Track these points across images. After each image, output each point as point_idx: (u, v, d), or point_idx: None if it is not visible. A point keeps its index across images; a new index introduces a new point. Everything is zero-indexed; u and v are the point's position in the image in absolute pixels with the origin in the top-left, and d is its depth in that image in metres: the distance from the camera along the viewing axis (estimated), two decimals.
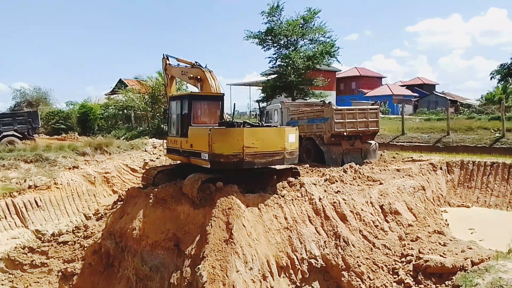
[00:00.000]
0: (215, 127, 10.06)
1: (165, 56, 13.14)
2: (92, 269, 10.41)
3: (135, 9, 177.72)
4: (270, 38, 31.70)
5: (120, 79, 49.85)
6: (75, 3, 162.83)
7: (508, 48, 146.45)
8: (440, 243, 10.48)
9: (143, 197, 10.40)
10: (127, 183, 17.29)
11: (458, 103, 48.06)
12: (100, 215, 12.77)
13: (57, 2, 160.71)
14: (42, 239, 12.01)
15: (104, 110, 38.10)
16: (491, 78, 50.10)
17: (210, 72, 11.48)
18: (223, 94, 11.36)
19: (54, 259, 10.86)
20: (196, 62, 11.88)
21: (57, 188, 15.06)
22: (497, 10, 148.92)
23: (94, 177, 16.81)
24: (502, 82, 44.46)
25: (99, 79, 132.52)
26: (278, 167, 11.81)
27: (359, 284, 9.08)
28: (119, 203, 12.16)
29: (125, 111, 36.86)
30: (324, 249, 9.45)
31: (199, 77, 11.55)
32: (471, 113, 32.83)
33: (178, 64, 12.76)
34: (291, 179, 11.14)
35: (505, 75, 45.97)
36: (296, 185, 10.69)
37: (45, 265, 10.67)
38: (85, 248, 11.02)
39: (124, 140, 27.36)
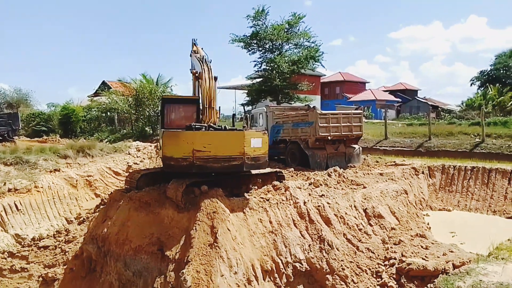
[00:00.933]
0: (168, 130, 10.04)
1: (193, 41, 12.94)
2: (74, 274, 10.21)
3: (118, 10, 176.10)
4: (255, 42, 31.80)
5: (104, 81, 49.23)
6: (56, 3, 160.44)
7: (487, 55, 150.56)
8: (422, 246, 10.64)
9: (126, 200, 10.26)
10: (110, 186, 17.05)
11: (439, 108, 49.08)
12: (82, 219, 12.58)
13: (37, 1, 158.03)
14: (22, 243, 11.76)
15: (86, 112, 37.53)
16: (471, 84, 51.45)
17: (209, 70, 10.91)
18: (198, 97, 11.16)
19: (35, 264, 10.64)
20: (202, 57, 11.34)
21: (38, 191, 14.74)
22: (477, 18, 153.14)
23: (76, 180, 16.52)
24: (482, 88, 45.64)
25: (82, 81, 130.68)
26: (257, 171, 11.81)
27: None
28: (101, 206, 11.98)
29: (108, 113, 36.38)
30: (308, 252, 9.49)
31: (197, 74, 11.10)
32: (452, 118, 33.54)
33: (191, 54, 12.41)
34: (276, 182, 11.16)
35: (485, 81, 47.25)
36: (281, 189, 10.71)
37: (25, 270, 10.44)
38: (67, 253, 10.83)
39: (107, 143, 26.99)
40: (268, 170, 12.39)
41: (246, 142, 9.50)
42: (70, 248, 11.00)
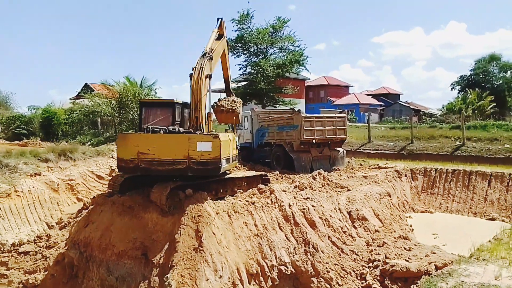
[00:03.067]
0: (123, 132, 10.21)
1: (222, 20, 12.77)
2: (55, 280, 9.97)
3: (100, 12, 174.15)
4: (240, 45, 31.87)
5: (86, 83, 48.51)
6: (37, 4, 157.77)
7: (467, 60, 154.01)
8: (405, 248, 10.78)
9: (109, 205, 10.10)
10: (93, 190, 16.74)
11: (421, 112, 49.92)
12: (63, 224, 12.32)
13: (17, 2, 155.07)
14: (2, 249, 11.41)
15: (68, 115, 36.85)
16: (451, 89, 52.51)
17: (200, 68, 10.50)
18: (173, 100, 11.07)
19: (15, 270, 10.35)
20: (205, 49, 11.15)
21: (18, 195, 14.35)
22: (457, 24, 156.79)
23: (58, 185, 16.16)
24: (462, 93, 46.63)
25: (63, 83, 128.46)
26: (243, 174, 11.81)
27: None
28: (84, 211, 11.76)
29: (91, 116, 35.78)
30: (294, 255, 9.50)
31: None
32: (433, 122, 34.20)
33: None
34: (261, 186, 11.16)
35: (465, 86, 48.28)
36: (266, 192, 10.71)
37: (5, 276, 10.15)
38: (48, 259, 10.57)
39: (90, 146, 26.51)
40: (253, 173, 12.41)
41: (191, 146, 9.27)
42: (51, 254, 10.74)
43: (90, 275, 9.50)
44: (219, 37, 12.61)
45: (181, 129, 10.00)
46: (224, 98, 13.43)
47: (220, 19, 12.95)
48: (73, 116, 36.82)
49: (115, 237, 9.32)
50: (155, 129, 9.96)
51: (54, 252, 10.72)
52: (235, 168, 13.01)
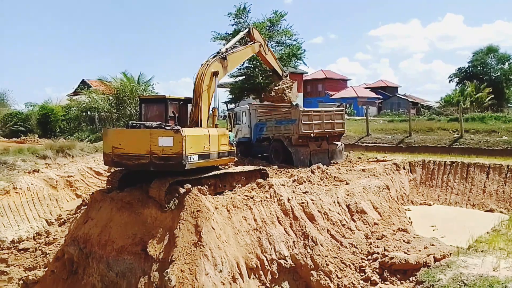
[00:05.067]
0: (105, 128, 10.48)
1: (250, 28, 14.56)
2: (55, 277, 10.00)
3: (95, 9, 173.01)
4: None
5: (83, 79, 48.28)
6: (32, 1, 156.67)
7: (464, 52, 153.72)
8: (404, 241, 10.83)
9: (108, 201, 10.11)
10: (92, 186, 16.75)
11: (419, 105, 49.90)
12: (62, 220, 12.33)
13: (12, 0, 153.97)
14: (1, 246, 11.45)
15: (66, 111, 36.73)
16: (449, 81, 52.42)
17: (206, 65, 11.23)
18: (165, 96, 11.17)
19: (15, 266, 10.40)
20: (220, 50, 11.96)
21: (17, 193, 14.37)
22: (454, 16, 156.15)
23: (56, 181, 16.17)
24: (460, 85, 46.59)
25: (59, 80, 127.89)
26: (241, 168, 11.82)
27: (328, 283, 9.22)
28: (83, 207, 11.78)
29: (88, 112, 35.69)
30: (293, 249, 9.54)
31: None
32: (431, 114, 34.16)
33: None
34: (259, 180, 11.17)
35: (463, 78, 48.20)
36: (265, 186, 10.72)
37: (5, 273, 10.19)
38: (47, 255, 10.60)
39: (88, 142, 26.53)
40: (251, 167, 12.41)
41: (152, 141, 9.28)
42: (51, 250, 10.77)
43: (90, 271, 9.53)
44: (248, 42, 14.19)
45: (154, 124, 9.83)
46: (276, 87, 17.08)
47: (249, 28, 14.96)
48: (71, 113, 36.69)
49: (115, 233, 9.34)
50: (135, 124, 10.09)
51: (54, 248, 10.75)
52: (233, 163, 12.98)
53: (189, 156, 9.31)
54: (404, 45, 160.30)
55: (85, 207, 11.33)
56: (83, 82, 47.27)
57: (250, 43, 14.70)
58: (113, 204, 9.91)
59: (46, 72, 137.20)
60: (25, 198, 14.51)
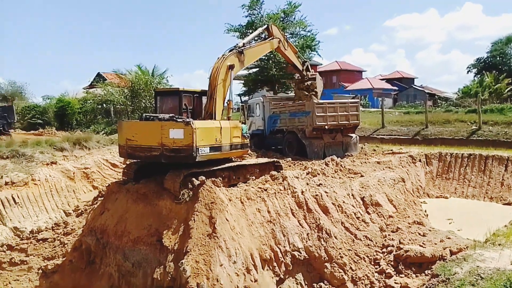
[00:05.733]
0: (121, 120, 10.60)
1: (269, 25, 14.65)
2: (73, 266, 10.23)
3: (111, 1, 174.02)
4: (251, 31, 31.52)
5: (99, 72, 48.77)
6: None
7: (483, 42, 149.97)
8: (419, 234, 10.73)
9: (124, 192, 10.27)
10: (108, 178, 16.99)
11: (436, 96, 49.09)
12: (80, 211, 12.56)
13: None
14: (21, 236, 11.74)
15: (82, 104, 37.23)
16: (467, 72, 51.39)
17: (223, 58, 11.30)
18: (178, 88, 11.24)
19: (34, 256, 10.64)
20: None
21: (35, 184, 14.67)
22: (472, 5, 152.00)
23: (73, 173, 16.45)
24: (479, 76, 45.61)
25: (75, 73, 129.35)
26: (255, 161, 11.83)
27: (342, 275, 9.22)
28: (99, 199, 11.97)
29: (104, 105, 36.12)
30: (307, 241, 9.54)
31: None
32: (449, 106, 33.55)
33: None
34: (273, 172, 11.17)
35: (481, 69, 47.20)
36: (279, 179, 10.72)
37: (25, 262, 10.44)
38: (66, 245, 10.83)
39: (104, 135, 26.83)
40: (265, 160, 12.41)
41: (163, 133, 9.38)
42: (69, 241, 10.99)
43: (107, 261, 9.72)
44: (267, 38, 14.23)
45: (166, 116, 9.93)
46: (305, 83, 17.20)
47: (267, 25, 15.01)
48: (87, 106, 37.19)
49: (131, 224, 9.48)
50: (148, 116, 10.23)
51: (72, 238, 10.98)
52: (247, 155, 13.01)
53: (200, 148, 9.38)
54: (420, 35, 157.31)
55: (102, 198, 11.52)
56: (98, 75, 47.77)
57: (268, 39, 14.64)
58: (129, 195, 10.05)
59: (63, 65, 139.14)
60: (44, 190, 14.81)
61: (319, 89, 17.64)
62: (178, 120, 9.54)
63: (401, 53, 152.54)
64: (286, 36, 29.17)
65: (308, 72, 17.36)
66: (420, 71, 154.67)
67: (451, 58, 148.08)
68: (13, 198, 13.65)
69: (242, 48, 12.06)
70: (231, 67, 11.24)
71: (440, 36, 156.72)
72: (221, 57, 11.26)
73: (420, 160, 16.81)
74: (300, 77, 17.69)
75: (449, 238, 10.16)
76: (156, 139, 9.47)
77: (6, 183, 14.02)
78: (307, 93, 17.33)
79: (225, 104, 11.19)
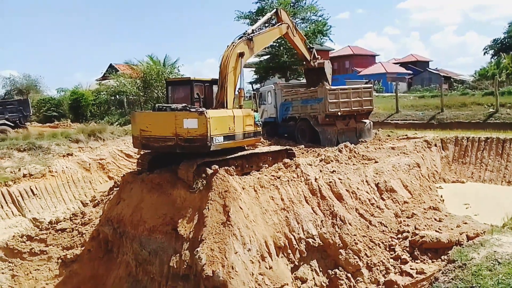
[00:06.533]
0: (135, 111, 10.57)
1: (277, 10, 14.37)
2: (92, 255, 10.45)
3: None
4: (261, 18, 31.21)
5: (111, 64, 49.13)
6: None
7: (499, 22, 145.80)
8: (435, 219, 10.62)
9: (138, 182, 10.37)
10: (123, 169, 17.22)
11: (451, 79, 48.08)
12: (96, 201, 12.77)
13: None
14: (40, 227, 12.01)
15: (96, 96, 37.61)
16: (484, 54, 50.19)
17: (232, 46, 11.12)
18: (189, 78, 11.15)
19: (53, 246, 10.87)
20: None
21: (52, 176, 14.97)
22: None
23: (89, 164, 16.72)
24: (496, 57, 44.47)
25: (88, 65, 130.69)
26: (267, 149, 11.80)
27: (357, 262, 9.22)
28: (115, 189, 12.13)
29: (117, 96, 36.44)
30: (321, 228, 9.54)
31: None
32: (465, 89, 32.92)
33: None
34: (286, 160, 11.13)
35: (498, 50, 46.03)
36: (292, 166, 10.69)
37: (45, 252, 10.68)
38: (84, 235, 11.04)
39: (118, 126, 27.13)
40: (278, 148, 12.38)
41: (177, 123, 9.34)
42: (86, 230, 11.20)
43: (124, 249, 9.90)
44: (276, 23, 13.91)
45: (179, 106, 9.88)
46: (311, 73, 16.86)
47: (276, 9, 14.64)
48: (100, 97, 37.56)
49: (146, 213, 9.60)
50: (161, 107, 10.21)
51: (90, 228, 11.18)
52: (260, 143, 12.98)
53: (214, 138, 9.36)
54: (435, 17, 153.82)
55: (117, 188, 11.66)
56: (111, 66, 48.13)
57: (277, 25, 14.45)
58: (144, 185, 10.16)
59: (75, 57, 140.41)
60: (61, 181, 15.11)
61: (328, 74, 17.32)
62: (192, 109, 9.54)
63: (415, 35, 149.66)
64: (295, 22, 28.60)
65: (315, 59, 17.01)
66: (435, 54, 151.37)
67: (467, 40, 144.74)
68: (32, 190, 13.98)
69: (252, 35, 11.90)
70: (241, 54, 11.09)
71: (456, 17, 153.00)
72: (230, 45, 11.13)
73: (435, 145, 16.56)
74: (308, 66, 17.37)
75: (465, 223, 10.03)
76: (170, 129, 9.47)
77: (24, 175, 14.33)
78: (318, 81, 17.09)
79: (236, 93, 11.12)
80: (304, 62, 17.42)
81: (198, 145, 9.30)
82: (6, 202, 13.34)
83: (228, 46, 11.16)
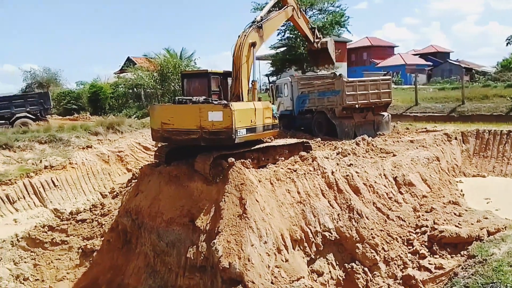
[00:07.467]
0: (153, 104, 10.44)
1: None
2: (111, 246, 10.66)
3: None
4: (277, 9, 30.98)
5: (129, 57, 49.60)
6: None
7: None
8: (455, 214, 10.45)
9: (156, 174, 10.48)
10: (141, 161, 17.46)
11: (473, 71, 46.91)
12: (115, 193, 12.99)
13: None
14: (61, 217, 12.29)
15: (114, 89, 38.08)
16: (507, 44, 48.49)
17: (244, 36, 10.79)
18: (206, 70, 11.09)
19: (74, 236, 11.14)
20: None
21: (73, 167, 15.29)
22: None
23: (108, 156, 17.00)
24: None
25: (106, 58, 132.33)
26: (283, 141, 11.73)
27: (374, 256, 9.14)
28: (133, 181, 12.30)
29: (135, 89, 36.83)
30: (337, 222, 9.48)
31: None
32: (487, 81, 32.07)
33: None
34: (303, 153, 11.08)
35: None
36: (308, 159, 10.63)
37: (65, 242, 10.95)
38: (103, 226, 11.26)
39: (136, 118, 27.46)
40: (294, 140, 12.32)
41: (202, 116, 9.27)
42: (106, 221, 11.43)
43: (142, 240, 10.05)
44: (282, 6, 13.20)
45: (201, 99, 9.88)
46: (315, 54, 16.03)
47: None
48: (118, 90, 38.00)
49: (164, 205, 9.71)
50: (181, 100, 10.16)
51: (109, 219, 11.39)
52: (276, 136, 12.93)
53: (238, 130, 9.37)
54: (456, 6, 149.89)
55: (135, 180, 11.82)
56: (128, 59, 48.55)
57: (283, 8, 14.07)
58: (161, 177, 10.26)
59: (94, 51, 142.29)
60: (81, 173, 15.42)
61: (331, 52, 16.81)
62: (215, 102, 9.54)
63: (436, 26, 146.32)
64: (313, 13, 28.06)
65: (318, 39, 16.31)
66: (456, 44, 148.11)
67: (489, 30, 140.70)
68: (53, 181, 14.32)
69: (261, 22, 11.57)
70: (253, 44, 10.90)
71: (477, 6, 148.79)
72: (242, 35, 10.87)
73: (456, 138, 16.23)
74: (311, 48, 16.76)
75: (486, 218, 9.84)
76: (194, 122, 9.42)
77: (46, 167, 14.68)
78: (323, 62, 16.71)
79: (250, 85, 11.02)
80: (307, 43, 16.93)
81: (223, 137, 9.30)
82: (28, 193, 13.70)
83: (239, 36, 10.90)
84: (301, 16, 15.28)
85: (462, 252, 8.76)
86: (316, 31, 16.19)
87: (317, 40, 16.07)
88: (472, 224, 9.58)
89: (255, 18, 11.63)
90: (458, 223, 9.73)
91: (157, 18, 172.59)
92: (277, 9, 13.95)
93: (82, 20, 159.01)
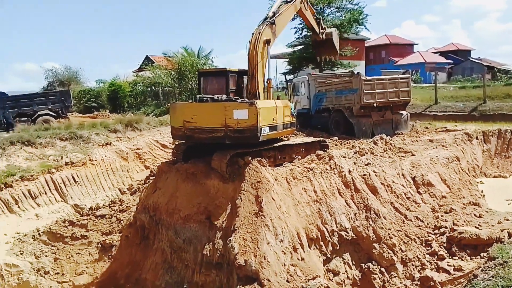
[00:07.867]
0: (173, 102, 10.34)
1: None
2: (129, 241, 10.84)
3: None
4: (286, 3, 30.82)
5: (147, 55, 50.14)
6: None
7: None
8: (475, 215, 10.25)
9: (173, 172, 10.60)
10: (158, 158, 17.66)
11: (495, 69, 45.76)
12: (134, 189, 13.18)
13: None
14: (81, 213, 12.58)
15: (132, 87, 38.58)
16: None
17: (258, 34, 10.60)
18: (225, 68, 11.10)
19: (93, 231, 11.37)
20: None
21: (92, 164, 15.58)
22: None
23: (127, 153, 17.26)
24: None
25: (125, 57, 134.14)
26: (300, 140, 11.68)
27: (391, 256, 9.04)
28: (151, 178, 12.47)
29: (153, 87, 37.24)
30: (354, 221, 9.42)
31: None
32: (509, 79, 31.29)
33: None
34: (319, 152, 11.04)
35: None
36: (325, 158, 10.58)
37: (85, 237, 11.20)
38: (122, 221, 11.46)
39: (154, 116, 27.77)
40: (311, 139, 12.27)
41: (227, 114, 9.28)
42: (124, 217, 11.64)
43: (160, 237, 10.19)
44: (291, 0, 12.69)
45: (224, 97, 9.94)
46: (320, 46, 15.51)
47: None
48: (137, 88, 38.48)
49: (181, 202, 9.82)
50: (202, 98, 10.19)
51: (127, 215, 11.59)
52: (293, 135, 12.90)
53: (262, 128, 9.42)
54: (478, 3, 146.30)
55: (153, 177, 11.99)
56: (147, 58, 49.04)
57: (292, 2, 13.86)
58: (178, 175, 10.37)
59: (113, 49, 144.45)
60: (100, 169, 15.70)
61: (336, 42, 16.43)
62: (239, 100, 9.60)
63: (457, 23, 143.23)
64: (330, 11, 27.59)
65: (323, 30, 15.65)
66: (477, 42, 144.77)
67: (511, 27, 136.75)
68: (73, 177, 14.62)
69: (273, 18, 11.36)
70: (267, 41, 10.79)
71: (500, 3, 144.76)
72: (256, 32, 10.73)
73: (477, 138, 15.89)
74: (316, 39, 16.12)
75: (507, 219, 9.64)
76: (219, 120, 9.44)
77: (66, 163, 15.00)
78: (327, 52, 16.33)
79: (265, 83, 11.00)
80: (312, 34, 16.62)
81: (247, 135, 9.34)
82: (50, 189, 14.03)
83: (253, 33, 10.77)
84: (308, 8, 14.99)
85: (482, 254, 8.59)
86: (321, 21, 16.02)
87: (322, 30, 15.83)
88: (492, 225, 9.39)
89: (267, 14, 11.46)
90: (478, 225, 9.54)
91: (176, 17, 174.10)
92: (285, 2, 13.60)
93: (103, 19, 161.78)
